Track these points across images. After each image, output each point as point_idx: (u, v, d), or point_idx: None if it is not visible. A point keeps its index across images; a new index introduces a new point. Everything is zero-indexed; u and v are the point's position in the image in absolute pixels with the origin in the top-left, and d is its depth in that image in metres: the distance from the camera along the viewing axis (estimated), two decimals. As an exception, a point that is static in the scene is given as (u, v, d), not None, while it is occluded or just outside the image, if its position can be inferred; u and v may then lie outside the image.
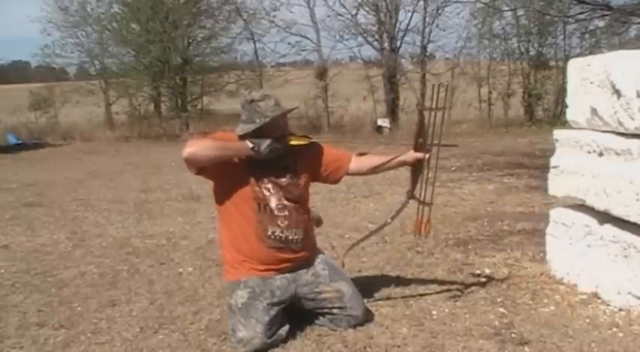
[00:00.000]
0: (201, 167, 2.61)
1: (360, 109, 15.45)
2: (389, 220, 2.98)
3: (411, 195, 2.79)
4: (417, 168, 2.76)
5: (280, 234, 2.66)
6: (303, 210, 2.80)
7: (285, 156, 2.71)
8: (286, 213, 2.69)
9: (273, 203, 2.68)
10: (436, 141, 2.72)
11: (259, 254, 2.66)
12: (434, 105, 2.62)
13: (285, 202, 2.69)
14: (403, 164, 2.82)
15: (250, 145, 2.61)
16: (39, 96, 17.31)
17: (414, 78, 15.38)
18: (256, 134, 2.64)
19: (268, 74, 16.41)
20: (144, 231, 4.85)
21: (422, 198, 2.76)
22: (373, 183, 6.86)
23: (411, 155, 2.76)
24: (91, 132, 14.97)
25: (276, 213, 2.67)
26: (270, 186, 2.68)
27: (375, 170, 2.96)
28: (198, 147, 2.56)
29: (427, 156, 2.71)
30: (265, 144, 2.60)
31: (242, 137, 2.67)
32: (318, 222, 2.94)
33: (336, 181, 2.96)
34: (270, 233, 2.66)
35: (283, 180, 2.72)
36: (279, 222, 2.67)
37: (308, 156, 2.82)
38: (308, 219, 2.82)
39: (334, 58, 17.01)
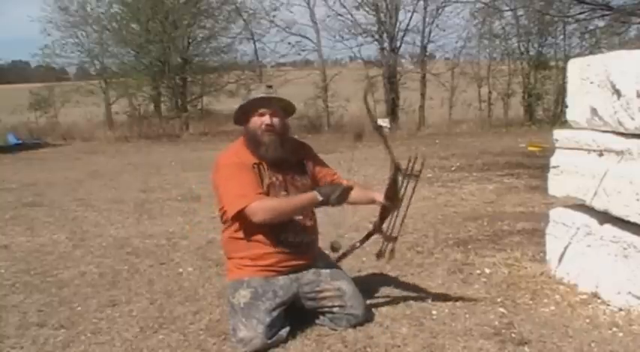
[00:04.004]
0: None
1: (360, 109, 15.46)
2: (357, 244, 2.93)
3: (378, 230, 2.74)
4: (386, 209, 2.70)
5: (293, 239, 2.67)
6: (312, 211, 2.81)
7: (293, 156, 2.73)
8: (300, 216, 2.70)
9: None
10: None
11: (268, 259, 2.66)
12: (409, 171, 2.57)
13: None
14: (373, 202, 2.76)
15: (320, 198, 2.58)
16: (39, 96, 17.37)
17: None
18: (240, 116, 2.70)
19: (268, 74, 16.46)
20: (144, 231, 4.85)
21: (389, 232, 2.72)
22: (373, 182, 6.85)
23: (381, 200, 2.69)
24: (91, 132, 15.00)
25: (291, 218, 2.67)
26: (284, 192, 2.67)
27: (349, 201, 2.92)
28: (272, 214, 2.56)
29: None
30: (335, 194, 2.58)
31: (234, 120, 2.75)
32: (335, 248, 2.83)
33: None
34: (282, 238, 2.65)
35: (299, 181, 2.73)
36: (293, 227, 2.67)
37: (312, 161, 2.85)
38: (315, 222, 2.83)
39: (334, 58, 17.08)
